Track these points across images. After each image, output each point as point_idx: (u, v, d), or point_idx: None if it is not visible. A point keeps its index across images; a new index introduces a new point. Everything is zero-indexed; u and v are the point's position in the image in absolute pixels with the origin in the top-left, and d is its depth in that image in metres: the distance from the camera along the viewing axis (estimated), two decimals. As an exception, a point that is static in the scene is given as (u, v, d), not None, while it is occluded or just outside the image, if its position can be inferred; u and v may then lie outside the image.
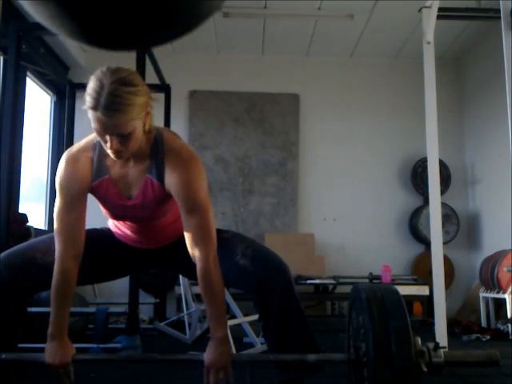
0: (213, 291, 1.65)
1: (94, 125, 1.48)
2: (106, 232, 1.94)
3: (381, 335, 1.53)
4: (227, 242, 1.80)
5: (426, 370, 1.59)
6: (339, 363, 1.84)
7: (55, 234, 1.68)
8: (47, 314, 1.75)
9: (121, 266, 1.97)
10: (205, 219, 1.65)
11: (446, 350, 1.73)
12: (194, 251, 1.66)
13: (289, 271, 1.83)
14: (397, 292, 1.68)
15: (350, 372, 1.85)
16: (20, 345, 1.96)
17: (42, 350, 1.77)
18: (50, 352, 1.67)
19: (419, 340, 1.62)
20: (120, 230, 1.90)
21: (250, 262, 1.78)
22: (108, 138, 1.50)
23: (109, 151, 1.55)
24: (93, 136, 1.67)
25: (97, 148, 1.67)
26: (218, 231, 1.78)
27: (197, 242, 1.64)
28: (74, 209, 1.66)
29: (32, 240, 1.90)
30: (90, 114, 1.46)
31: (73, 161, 1.66)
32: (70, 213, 1.66)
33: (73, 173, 1.65)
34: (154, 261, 1.98)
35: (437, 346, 1.64)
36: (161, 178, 1.66)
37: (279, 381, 1.85)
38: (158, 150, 1.66)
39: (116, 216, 1.79)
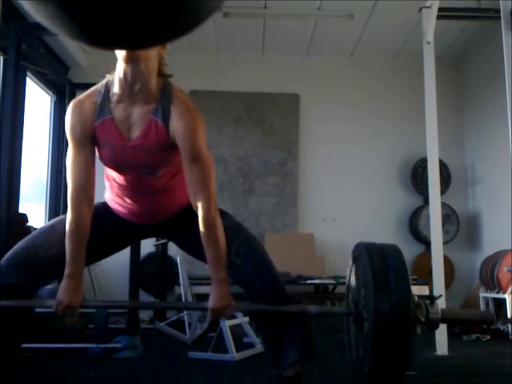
0: (214, 236, 1.70)
1: None
2: (102, 206, 1.91)
3: (381, 286, 1.56)
4: (224, 232, 1.80)
5: (423, 319, 1.62)
6: (339, 316, 1.87)
7: (68, 179, 1.73)
8: (49, 314, 1.76)
9: (120, 238, 1.96)
10: (207, 168, 1.70)
11: (444, 307, 1.75)
12: (196, 200, 1.71)
13: (276, 273, 1.83)
14: (398, 249, 1.72)
15: (348, 328, 1.86)
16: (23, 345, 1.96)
17: (44, 350, 1.78)
18: (62, 291, 1.70)
19: (416, 297, 1.66)
20: (118, 199, 1.87)
21: (242, 261, 1.80)
22: None
23: (123, 54, 1.55)
24: (98, 85, 1.73)
25: (101, 92, 1.70)
26: (221, 212, 1.80)
27: (199, 189, 1.69)
28: (82, 152, 1.71)
29: (28, 238, 1.85)
30: None
31: (78, 105, 1.71)
32: (78, 156, 1.71)
33: (77, 116, 1.70)
34: (151, 232, 1.99)
35: (433, 299, 1.66)
36: (166, 121, 1.68)
37: (277, 379, 1.84)
38: (165, 95, 1.69)
39: (116, 163, 1.75)
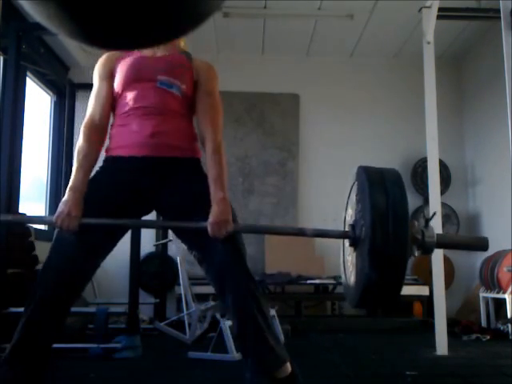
0: (219, 157, 1.83)
1: None
2: (100, 172, 1.87)
3: (379, 208, 1.57)
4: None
5: (419, 237, 1.65)
6: (335, 237, 1.88)
7: (87, 110, 1.87)
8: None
9: (125, 200, 1.85)
10: (218, 104, 1.92)
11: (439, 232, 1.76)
12: (205, 129, 1.87)
13: (248, 279, 1.77)
14: (397, 171, 1.75)
15: (344, 251, 1.87)
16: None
17: (56, 350, 1.78)
18: (63, 202, 1.75)
19: (415, 223, 1.68)
20: (123, 129, 1.84)
21: (227, 274, 1.76)
22: None
23: None
24: None
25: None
26: None
27: (208, 119, 1.87)
28: (104, 82, 1.89)
29: (47, 263, 1.78)
30: None
31: (110, 52, 1.92)
32: (100, 85, 1.89)
33: (107, 57, 1.93)
34: (151, 192, 1.87)
35: (427, 220, 1.67)
36: (189, 58, 1.95)
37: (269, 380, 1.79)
38: (188, 53, 1.99)
39: (134, 71, 1.86)
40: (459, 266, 5.42)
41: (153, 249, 5.13)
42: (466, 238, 1.84)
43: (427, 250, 1.69)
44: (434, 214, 1.84)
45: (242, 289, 1.74)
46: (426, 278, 4.75)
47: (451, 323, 3.87)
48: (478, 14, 3.91)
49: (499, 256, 4.43)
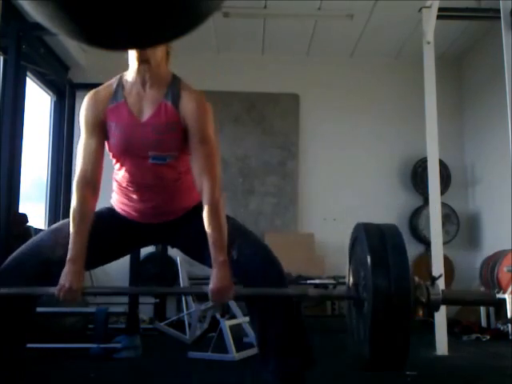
0: (217, 218, 1.74)
1: None
2: (107, 210, 1.92)
3: (379, 264, 1.56)
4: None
5: (424, 300, 1.62)
6: (339, 299, 1.87)
7: (77, 165, 1.79)
8: (51, 313, 1.75)
9: (123, 242, 1.95)
10: (213, 151, 1.78)
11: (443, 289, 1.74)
12: (200, 181, 1.75)
13: (280, 267, 1.83)
14: (397, 229, 1.72)
15: (350, 310, 1.85)
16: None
17: (44, 349, 1.77)
18: (64, 275, 1.71)
19: (417, 278, 1.65)
20: (124, 198, 1.87)
21: (244, 258, 1.80)
22: None
23: (134, 55, 1.67)
24: (113, 78, 1.83)
25: (115, 83, 1.80)
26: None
27: (204, 171, 1.75)
28: (92, 138, 1.78)
29: (33, 240, 1.85)
30: None
31: (94, 94, 1.82)
32: (88, 142, 1.78)
33: (92, 103, 1.80)
34: (155, 237, 1.99)
35: (433, 280, 1.65)
36: (176, 104, 1.77)
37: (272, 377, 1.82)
38: (175, 82, 1.80)
39: (125, 143, 1.78)
40: (459, 265, 5.42)
41: (153, 249, 5.13)
42: (472, 293, 1.80)
43: (433, 309, 1.66)
44: (441, 275, 1.81)
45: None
46: (425, 278, 4.75)
47: (451, 323, 3.87)
48: (478, 14, 3.91)
49: (499, 256, 4.43)
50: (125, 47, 1.16)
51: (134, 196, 1.85)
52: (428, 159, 3.47)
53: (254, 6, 4.78)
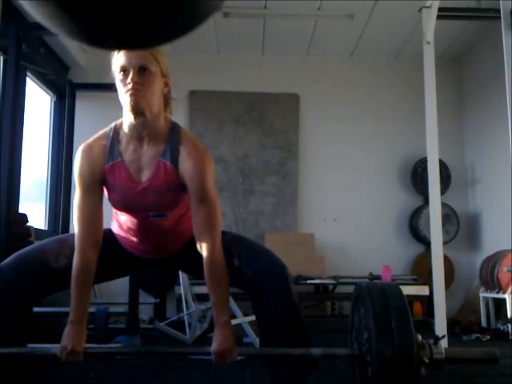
0: (218, 279, 1.70)
1: (117, 65, 1.62)
2: (108, 234, 1.90)
3: (383, 328, 1.55)
4: (224, 243, 1.79)
5: (427, 361, 1.61)
6: (342, 358, 1.85)
7: (75, 223, 1.73)
8: (51, 313, 1.75)
9: (121, 267, 1.97)
10: (214, 208, 1.72)
11: (446, 347, 1.73)
12: (201, 240, 1.71)
13: (285, 270, 1.80)
14: (400, 290, 1.70)
15: (354, 368, 1.85)
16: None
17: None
18: (66, 336, 1.68)
19: (420, 336, 1.64)
20: (124, 236, 1.87)
21: (245, 263, 1.79)
22: (130, 72, 1.60)
23: (127, 91, 1.61)
24: (107, 128, 1.75)
25: (110, 136, 1.72)
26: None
27: (205, 230, 1.70)
28: (91, 196, 1.72)
29: (39, 243, 1.85)
30: (115, 59, 1.63)
31: (87, 149, 1.73)
32: (87, 201, 1.72)
33: (86, 160, 1.71)
34: (154, 264, 2.00)
35: (437, 339, 1.65)
36: (175, 162, 1.70)
37: (270, 378, 1.82)
38: (173, 136, 1.72)
39: (124, 205, 1.75)
40: (459, 266, 5.42)
41: (153, 249, 5.13)
42: (475, 351, 1.80)
43: (436, 368, 1.65)
44: (444, 336, 1.81)
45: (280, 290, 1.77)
46: (425, 278, 4.75)
47: (451, 323, 3.88)
48: (478, 13, 3.91)
49: (499, 256, 4.43)
50: (125, 47, 1.16)
51: (135, 239, 1.85)
52: (428, 159, 3.47)
53: (254, 6, 4.78)
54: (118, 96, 1.69)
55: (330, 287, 4.99)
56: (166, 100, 1.74)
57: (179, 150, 1.70)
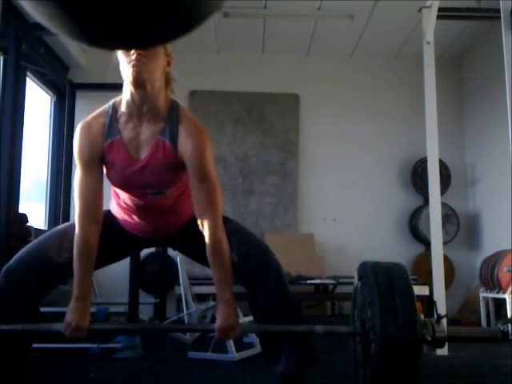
0: (221, 257, 1.71)
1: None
2: (107, 215, 1.90)
3: (387, 306, 1.57)
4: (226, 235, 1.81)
5: (429, 339, 1.63)
6: (345, 335, 1.87)
7: (75, 200, 1.74)
8: (51, 313, 1.75)
9: (121, 248, 1.97)
10: (214, 187, 1.72)
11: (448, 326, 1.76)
12: (203, 219, 1.71)
13: (280, 269, 1.83)
14: (404, 269, 1.73)
15: (355, 347, 1.86)
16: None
17: (44, 350, 1.77)
18: (70, 312, 1.69)
19: (422, 316, 1.67)
20: (124, 215, 1.88)
21: (243, 259, 1.80)
22: (133, 51, 1.56)
23: (130, 62, 1.58)
24: (105, 105, 1.74)
25: (109, 113, 1.71)
26: (223, 219, 1.80)
27: (206, 208, 1.70)
28: (91, 174, 1.72)
29: (39, 240, 1.85)
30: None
31: (86, 127, 1.72)
32: (87, 178, 1.72)
33: (85, 138, 1.71)
34: (154, 243, 2.03)
35: (439, 318, 1.67)
36: (174, 141, 1.70)
37: (277, 376, 1.83)
38: (173, 114, 1.71)
39: (123, 183, 1.76)
40: (459, 266, 5.42)
41: (153, 249, 5.13)
42: (476, 330, 1.84)
43: (438, 346, 1.68)
44: (446, 315, 1.84)
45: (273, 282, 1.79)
46: (425, 278, 4.75)
47: (451, 323, 3.87)
48: (478, 13, 3.91)
49: (499, 256, 4.43)
50: (125, 47, 1.16)
51: (134, 216, 1.86)
52: (428, 159, 3.47)
53: (254, 6, 4.78)
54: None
55: (330, 287, 4.99)
56: (168, 79, 1.74)
57: (179, 128, 1.70)
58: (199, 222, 1.72)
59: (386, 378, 1.57)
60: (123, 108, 1.69)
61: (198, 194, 1.70)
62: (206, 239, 1.71)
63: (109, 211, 1.93)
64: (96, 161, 1.72)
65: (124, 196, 1.81)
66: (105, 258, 1.88)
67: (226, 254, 1.72)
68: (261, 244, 1.91)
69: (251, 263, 1.80)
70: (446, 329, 1.69)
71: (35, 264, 1.76)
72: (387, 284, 1.62)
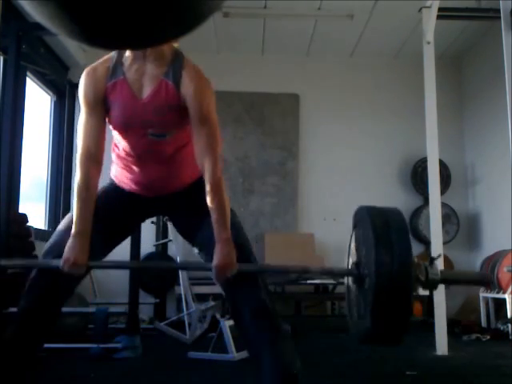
0: (219, 196, 1.75)
1: None
2: (107, 187, 1.92)
3: (382, 242, 1.60)
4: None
5: (423, 279, 1.66)
6: (340, 275, 1.89)
7: (78, 142, 1.78)
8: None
9: (127, 217, 1.94)
10: (215, 130, 1.76)
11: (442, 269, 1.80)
12: (203, 161, 1.75)
13: (259, 281, 1.81)
14: (399, 211, 1.78)
15: (349, 288, 1.88)
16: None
17: (44, 349, 1.77)
18: (69, 248, 1.70)
19: (416, 258, 1.69)
20: (124, 170, 1.87)
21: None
22: None
23: None
24: (111, 52, 1.78)
25: (114, 58, 1.76)
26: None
27: (206, 151, 1.74)
28: (94, 115, 1.76)
29: (53, 245, 1.80)
30: None
31: (91, 71, 1.77)
32: (89, 120, 1.76)
33: (90, 80, 1.76)
34: (155, 209, 2.00)
35: (432, 260, 1.68)
36: (177, 84, 1.74)
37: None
38: (177, 61, 1.76)
39: (125, 121, 1.78)
40: (459, 266, 5.41)
41: (153, 249, 5.13)
42: (469, 274, 1.86)
43: (431, 287, 1.70)
44: (439, 255, 1.85)
45: (251, 283, 1.78)
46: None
47: (451, 323, 3.87)
48: (478, 13, 3.91)
49: (499, 256, 4.43)
50: (125, 47, 1.16)
51: (135, 167, 1.86)
52: (428, 159, 3.47)
53: (254, 6, 4.78)
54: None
55: (330, 287, 4.99)
56: None
57: (182, 73, 1.74)
58: (199, 164, 1.76)
59: (379, 307, 1.58)
60: (128, 52, 1.74)
61: (199, 136, 1.74)
62: (206, 180, 1.74)
63: (107, 184, 1.93)
64: (100, 102, 1.76)
65: (124, 144, 1.83)
66: (113, 231, 1.87)
67: (224, 194, 1.76)
68: (250, 250, 1.87)
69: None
70: (439, 271, 1.70)
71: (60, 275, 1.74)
72: (382, 222, 1.66)
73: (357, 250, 1.81)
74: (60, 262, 1.68)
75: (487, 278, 1.78)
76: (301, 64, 5.76)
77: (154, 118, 1.75)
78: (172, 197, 1.92)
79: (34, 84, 4.93)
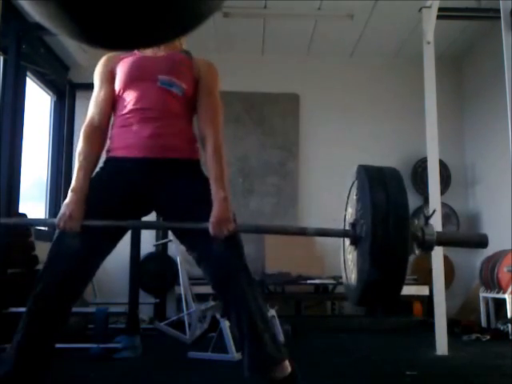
0: (219, 157, 1.84)
1: None
2: (102, 172, 1.88)
3: (379, 207, 1.60)
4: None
5: (419, 235, 1.67)
6: (336, 235, 1.90)
7: (88, 112, 1.88)
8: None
9: (126, 201, 1.86)
10: (218, 104, 1.94)
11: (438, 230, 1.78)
12: (205, 129, 1.88)
13: (244, 277, 1.77)
14: (397, 171, 1.77)
15: (345, 250, 1.90)
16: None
17: (56, 350, 1.78)
18: (65, 204, 1.75)
19: (415, 221, 1.72)
20: (123, 130, 1.85)
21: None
22: None
23: None
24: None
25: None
26: None
27: (210, 120, 1.90)
28: (103, 86, 1.90)
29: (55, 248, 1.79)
30: None
31: (107, 56, 1.96)
32: (99, 91, 1.90)
33: (107, 59, 1.94)
34: (153, 204, 1.91)
35: (427, 219, 1.71)
36: (190, 59, 1.96)
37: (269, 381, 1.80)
38: (188, 52, 2.00)
39: (136, 71, 1.88)
40: (459, 265, 5.42)
41: (153, 249, 5.13)
42: (465, 235, 1.85)
43: (427, 248, 1.71)
44: (434, 211, 1.85)
45: (240, 284, 1.75)
46: (425, 278, 4.75)
47: (451, 323, 3.87)
48: (478, 14, 3.91)
49: (499, 256, 4.43)
50: (125, 47, 1.16)
51: (134, 126, 1.85)
52: (428, 159, 3.47)
53: (254, 6, 4.78)
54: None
55: (330, 287, 4.99)
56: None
57: (192, 57, 1.97)
58: (201, 132, 1.88)
59: (376, 272, 1.59)
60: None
61: (204, 108, 1.90)
62: (208, 146, 1.85)
63: (101, 167, 1.89)
64: (110, 74, 1.90)
65: (131, 99, 1.86)
66: (114, 214, 1.80)
67: (223, 157, 1.85)
68: (244, 262, 1.83)
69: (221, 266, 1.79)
70: (435, 232, 1.71)
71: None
72: (379, 181, 1.66)
73: (353, 211, 1.81)
74: (55, 220, 1.73)
75: (483, 239, 1.77)
76: (301, 64, 5.76)
77: (166, 65, 1.89)
78: (166, 176, 1.85)
79: (34, 84, 4.93)
